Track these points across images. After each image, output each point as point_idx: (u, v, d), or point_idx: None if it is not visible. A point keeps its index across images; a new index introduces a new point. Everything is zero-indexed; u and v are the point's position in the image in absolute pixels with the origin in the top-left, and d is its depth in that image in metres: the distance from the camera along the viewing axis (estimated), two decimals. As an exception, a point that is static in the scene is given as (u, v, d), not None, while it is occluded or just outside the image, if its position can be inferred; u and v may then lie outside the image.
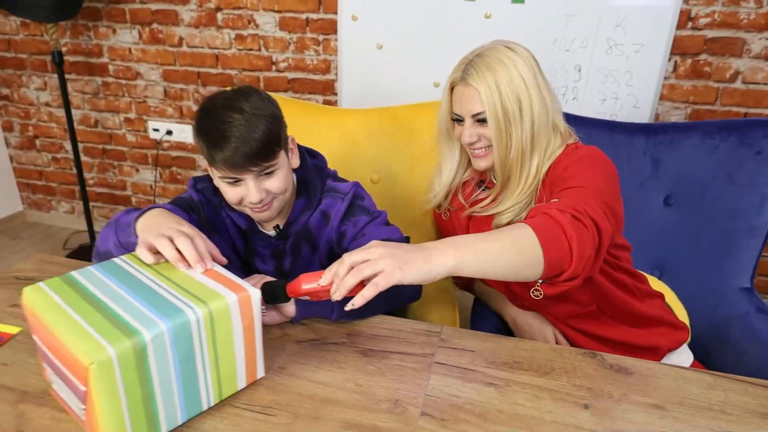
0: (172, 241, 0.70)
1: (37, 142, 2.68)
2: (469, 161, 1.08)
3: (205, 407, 0.66)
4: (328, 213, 1.00)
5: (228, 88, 0.90)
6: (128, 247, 0.81)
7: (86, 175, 2.66)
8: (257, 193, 0.88)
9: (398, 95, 2.04)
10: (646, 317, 1.02)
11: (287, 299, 0.77)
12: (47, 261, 1.00)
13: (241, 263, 1.05)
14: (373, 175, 1.43)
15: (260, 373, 0.71)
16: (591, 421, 0.67)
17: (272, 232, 1.02)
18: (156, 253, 0.70)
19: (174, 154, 2.48)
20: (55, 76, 2.47)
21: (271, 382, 0.72)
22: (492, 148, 0.98)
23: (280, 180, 0.91)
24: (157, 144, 2.48)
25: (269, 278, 0.86)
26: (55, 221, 2.86)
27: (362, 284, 0.66)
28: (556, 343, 1.04)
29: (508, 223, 1.02)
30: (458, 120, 1.01)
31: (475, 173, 1.12)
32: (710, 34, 1.75)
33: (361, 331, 0.84)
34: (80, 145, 2.60)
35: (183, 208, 0.97)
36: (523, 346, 0.81)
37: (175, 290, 0.65)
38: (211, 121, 0.85)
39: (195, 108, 2.31)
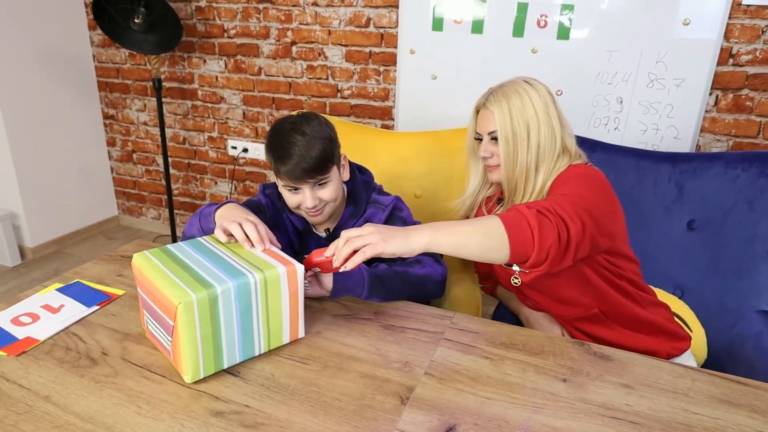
0: (241, 226, 0.91)
1: (134, 156, 3.08)
2: None
3: (257, 353, 0.85)
4: (371, 221, 1.19)
5: (295, 112, 1.12)
6: (208, 232, 1.03)
7: (172, 185, 3.02)
8: (312, 200, 1.09)
9: (449, 121, 2.23)
10: (647, 323, 1.13)
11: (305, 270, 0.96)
12: (144, 246, 1.25)
13: (295, 258, 1.25)
14: (416, 190, 1.62)
15: (301, 333, 0.91)
16: (565, 391, 0.81)
17: (323, 234, 1.22)
18: (229, 235, 0.92)
19: (248, 169, 2.78)
20: (154, 99, 2.86)
21: (308, 341, 0.91)
22: (501, 166, 1.14)
23: (331, 190, 1.11)
24: (234, 160, 2.79)
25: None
26: (143, 226, 3.24)
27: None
28: (564, 343, 1.17)
29: None
30: (479, 139, 1.18)
31: (496, 191, 1.28)
32: (752, 70, 1.81)
33: (386, 311, 1.01)
34: (170, 160, 2.96)
35: (252, 208, 1.19)
36: (521, 332, 0.96)
37: (241, 261, 0.85)
38: (279, 140, 1.07)
39: (268, 128, 2.60)
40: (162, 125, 2.59)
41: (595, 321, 1.14)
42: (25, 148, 2.69)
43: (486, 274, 1.40)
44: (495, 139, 1.15)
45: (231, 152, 2.78)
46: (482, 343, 0.92)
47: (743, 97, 1.85)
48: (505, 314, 1.31)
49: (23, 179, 2.69)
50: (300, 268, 0.86)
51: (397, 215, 1.20)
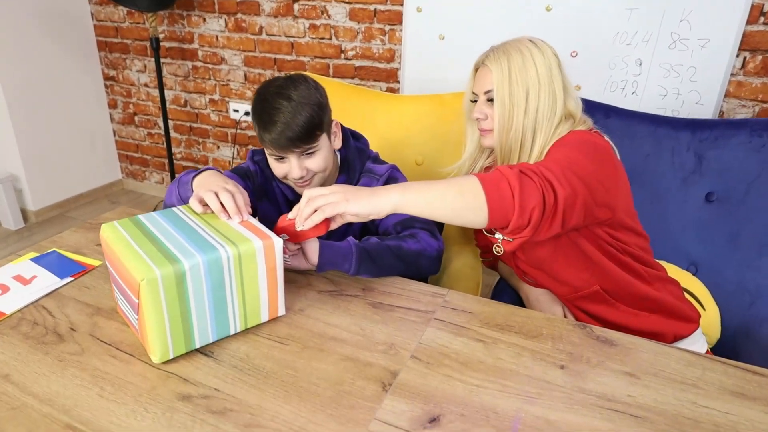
0: (217, 195, 0.85)
1: (136, 118, 3.01)
2: None
3: (232, 332, 0.80)
4: None
5: (282, 74, 1.04)
6: (186, 201, 0.97)
7: (174, 149, 2.96)
8: (298, 171, 1.02)
9: (458, 85, 2.12)
10: (653, 300, 1.05)
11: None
12: (128, 213, 1.19)
13: None
14: (418, 157, 1.54)
15: (281, 311, 0.85)
16: (562, 379, 0.75)
17: None
18: (205, 205, 0.85)
19: (250, 133, 2.70)
20: (153, 59, 2.77)
21: (289, 319, 0.85)
22: (494, 130, 1.05)
23: (319, 160, 1.04)
24: (236, 123, 2.71)
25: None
26: (147, 190, 3.20)
27: (326, 223, 0.81)
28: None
29: None
30: (475, 100, 1.10)
31: (495, 160, 1.19)
32: (785, 29, 1.68)
33: (374, 288, 0.95)
34: (171, 123, 2.89)
35: (240, 175, 1.13)
36: (519, 313, 0.89)
37: (215, 234, 0.79)
38: (263, 106, 0.99)
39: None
40: (161, 87, 2.51)
41: (597, 300, 1.07)
42: (25, 109, 2.63)
43: (487, 247, 1.33)
44: (491, 100, 1.06)
45: (233, 116, 2.70)
46: (476, 325, 0.86)
47: (774, 59, 1.72)
48: (506, 290, 1.25)
49: (23, 141, 2.64)
50: (279, 242, 0.79)
51: None
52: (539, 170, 0.83)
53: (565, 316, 1.11)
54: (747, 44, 1.72)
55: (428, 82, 2.18)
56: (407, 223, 1.07)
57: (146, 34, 2.73)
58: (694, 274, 1.37)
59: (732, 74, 1.77)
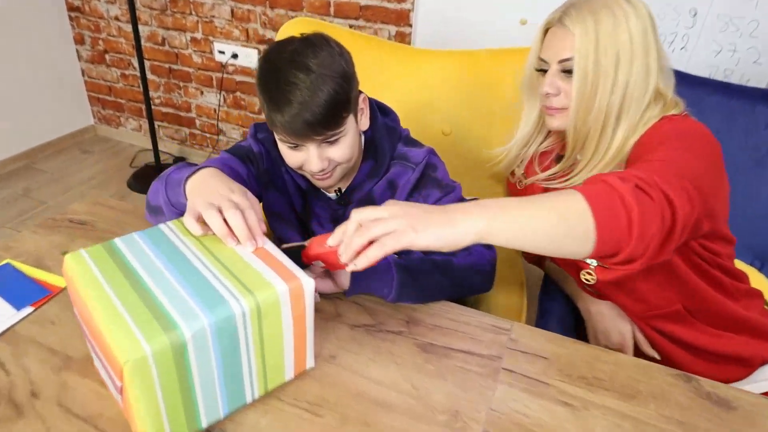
0: (221, 212, 0.63)
1: (107, 57, 2.67)
2: None
3: (249, 400, 0.61)
4: (396, 183, 0.90)
5: (298, 36, 0.79)
6: (178, 207, 0.75)
7: (152, 93, 2.65)
8: (318, 163, 0.79)
9: (479, 30, 1.85)
10: (740, 322, 0.89)
11: (303, 266, 0.70)
12: (101, 203, 0.97)
13: (298, 223, 0.98)
14: (444, 126, 1.31)
15: (309, 363, 0.66)
16: (681, 466, 0.58)
17: (333, 195, 0.93)
18: (204, 223, 0.64)
19: (238, 78, 2.41)
20: (124, -11, 2.41)
21: (320, 372, 0.66)
22: (569, 109, 0.84)
23: (345, 148, 0.81)
24: (222, 67, 2.41)
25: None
26: (123, 137, 2.91)
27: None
28: (634, 342, 0.93)
29: None
30: (542, 69, 0.88)
31: (555, 144, 0.98)
32: None
33: (421, 320, 0.76)
34: (147, 63, 2.56)
35: (241, 158, 0.90)
36: (605, 358, 0.71)
37: (222, 273, 0.58)
38: (274, 79, 0.75)
39: (261, 31, 2.20)
40: (135, 22, 2.18)
41: (675, 319, 0.90)
42: (-25, 46, 2.29)
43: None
44: (567, 71, 0.84)
45: (218, 58, 2.39)
46: (555, 377, 0.68)
47: None
48: (556, 295, 1.07)
49: (-23, 84, 2.32)
50: (309, 283, 0.59)
51: (430, 175, 0.90)
52: (656, 183, 0.62)
53: (634, 335, 0.94)
54: (824, -6, 1.48)
55: (447, 28, 1.90)
56: None
57: (114, -41, 2.36)
58: (759, 270, 1.21)
59: (800, 29, 1.54)
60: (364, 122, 0.87)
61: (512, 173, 1.09)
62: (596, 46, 0.80)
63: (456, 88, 1.29)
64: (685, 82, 1.23)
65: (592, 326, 0.97)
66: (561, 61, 0.84)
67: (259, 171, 0.93)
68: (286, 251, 0.72)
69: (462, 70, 1.29)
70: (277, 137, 0.82)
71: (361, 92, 0.85)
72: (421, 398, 0.64)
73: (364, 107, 0.86)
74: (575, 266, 0.94)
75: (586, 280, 0.87)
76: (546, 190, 0.97)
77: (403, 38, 2.00)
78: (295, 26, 1.31)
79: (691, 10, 1.61)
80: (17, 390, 0.61)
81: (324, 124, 0.76)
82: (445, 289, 0.79)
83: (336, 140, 0.80)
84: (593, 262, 0.89)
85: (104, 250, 0.61)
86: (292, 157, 0.82)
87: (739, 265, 1.17)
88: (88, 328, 0.55)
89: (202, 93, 2.54)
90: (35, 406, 0.59)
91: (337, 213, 0.94)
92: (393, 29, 2.01)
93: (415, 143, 0.95)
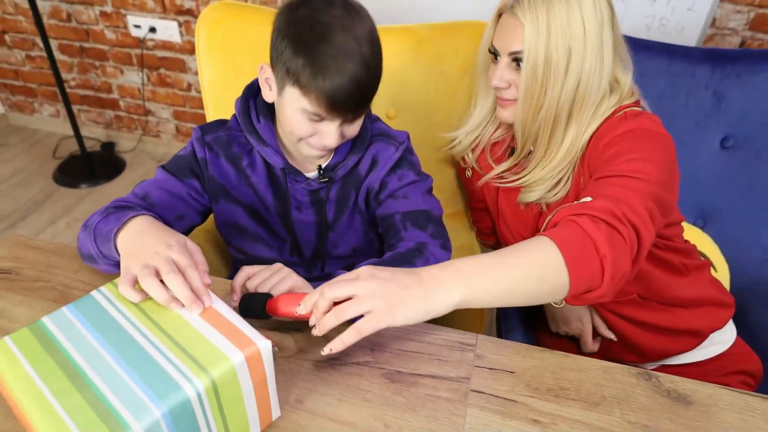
0: (159, 276, 0.57)
1: (7, 38, 2.41)
2: None
3: (215, 470, 0.58)
4: (377, 159, 0.88)
5: None
6: (111, 258, 0.69)
7: (66, 75, 2.43)
8: (336, 140, 0.76)
9: (430, 7, 1.75)
10: (689, 297, 0.93)
11: (266, 316, 0.69)
12: (25, 244, 0.87)
13: (263, 230, 0.92)
14: (389, 109, 1.25)
15: (275, 413, 0.63)
16: (649, 474, 0.60)
17: (313, 174, 0.88)
18: (141, 290, 0.58)
19: (160, 54, 2.23)
20: (14, -40, 2.14)
21: (287, 422, 0.64)
22: (517, 104, 0.82)
23: (357, 126, 0.80)
24: (140, 42, 2.21)
25: (294, 276, 0.74)
26: (40, 125, 2.68)
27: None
28: (593, 327, 0.96)
29: (537, 203, 0.89)
30: (495, 54, 0.84)
31: (507, 135, 0.95)
32: None
33: (385, 345, 0.74)
34: (54, 42, 2.33)
35: (179, 172, 0.84)
36: (569, 364, 0.72)
37: (169, 349, 0.53)
38: (321, 38, 0.69)
39: (179, 2, 2.02)
40: (33, -2, 1.96)
41: (631, 304, 0.93)
42: None
43: (488, 229, 1.13)
44: (517, 61, 0.80)
45: (135, 33, 2.19)
46: (523, 392, 0.68)
47: (778, -44, 1.50)
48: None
49: None
50: (266, 346, 0.55)
51: (408, 158, 0.91)
52: (625, 215, 0.63)
53: (592, 319, 0.96)
54: (752, -62, 1.48)
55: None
56: (418, 221, 0.85)
57: (-3, -74, 2.08)
58: (702, 229, 1.25)
59: (731, -25, 1.54)
60: None
61: (463, 158, 1.06)
62: (547, 41, 0.76)
63: (397, 67, 1.23)
64: (630, 45, 1.23)
65: (552, 315, 0.99)
66: (511, 53, 0.80)
67: (204, 183, 0.86)
68: (249, 298, 0.69)
69: (403, 47, 1.22)
70: (295, 101, 0.74)
71: None
72: (394, 437, 0.63)
73: None
74: None
75: (557, 304, 0.88)
76: (500, 187, 0.96)
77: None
78: (214, 12, 1.20)
79: (626, -41, 1.58)
80: (-43, 494, 0.56)
81: (364, 104, 0.74)
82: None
83: (355, 119, 0.78)
84: None
85: (32, 335, 0.55)
86: (306, 126, 0.76)
87: (684, 225, 1.22)
88: (25, 427, 0.50)
89: (122, 72, 2.35)
90: None
91: (319, 194, 0.89)
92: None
93: (386, 125, 0.93)
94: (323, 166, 0.87)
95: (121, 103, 2.46)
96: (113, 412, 0.48)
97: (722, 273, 1.20)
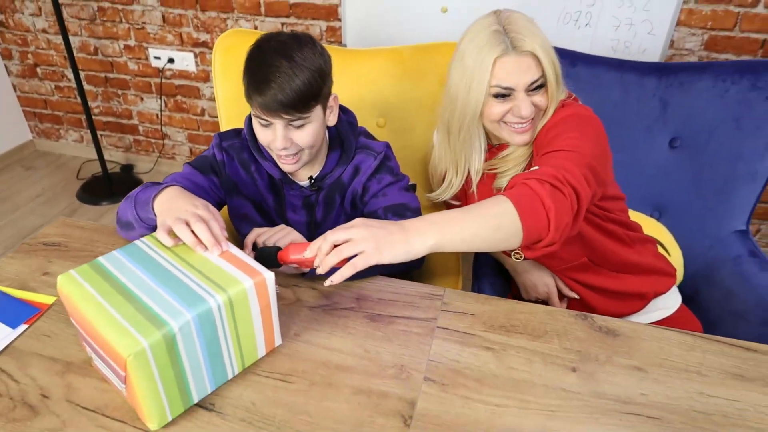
0: (188, 225, 0.74)
1: (39, 70, 2.64)
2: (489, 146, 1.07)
3: (230, 376, 0.73)
4: (360, 168, 1.04)
5: (289, 32, 0.92)
6: (147, 222, 0.86)
7: (91, 103, 2.65)
8: (282, 141, 0.91)
9: (404, 21, 1.97)
10: (635, 265, 1.08)
11: (278, 265, 0.84)
12: (70, 225, 1.05)
13: (264, 222, 1.09)
14: (379, 119, 1.44)
15: (278, 341, 0.79)
16: (577, 383, 0.75)
17: (306, 183, 1.06)
18: (175, 236, 0.75)
19: (177, 82, 2.45)
20: (48, 0, 2.38)
21: (288, 349, 0.79)
22: (535, 120, 0.97)
23: (308, 134, 0.93)
24: (160, 72, 2.44)
25: (295, 233, 0.92)
26: (65, 150, 2.89)
27: (345, 259, 0.73)
28: (557, 288, 1.10)
29: None
30: (504, 95, 0.93)
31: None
32: (736, -47, 1.64)
33: (369, 296, 0.90)
34: (82, 74, 2.56)
35: (202, 169, 1.01)
36: (520, 309, 0.88)
37: (196, 276, 0.70)
38: (259, 62, 0.88)
39: (195, 35, 2.25)
40: (65, 33, 2.18)
41: (584, 269, 1.08)
42: None
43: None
44: (536, 89, 0.93)
45: (155, 63, 2.42)
46: (480, 328, 0.83)
47: (724, -15, 1.69)
48: (487, 262, 1.23)
49: None
50: (270, 277, 0.71)
51: (386, 164, 1.07)
52: (566, 179, 0.80)
53: (556, 282, 1.11)
54: (700, -30, 1.68)
55: (372, 18, 2.01)
56: (398, 211, 1.02)
57: (35, -28, 2.33)
58: (658, 220, 1.40)
59: (684, 2, 1.74)
60: (332, 119, 0.99)
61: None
62: (553, 59, 0.92)
63: (385, 83, 1.42)
64: (587, 61, 1.41)
65: (521, 282, 1.14)
66: (531, 83, 0.91)
67: (221, 179, 1.04)
68: (262, 250, 0.85)
69: (389, 66, 1.42)
70: (252, 114, 0.93)
71: (333, 93, 0.97)
72: (372, 359, 0.78)
73: (333, 105, 0.98)
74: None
75: (516, 258, 1.03)
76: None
77: (334, 32, 2.10)
78: (229, 39, 1.40)
79: (591, -10, 1.78)
80: (29, 395, 0.71)
81: (294, 106, 0.88)
82: (386, 268, 0.93)
83: (302, 125, 0.92)
84: None
85: (91, 269, 0.71)
86: (262, 134, 0.93)
87: (640, 216, 1.37)
88: (90, 335, 0.66)
89: (142, 99, 2.57)
90: (48, 406, 0.70)
91: (310, 199, 1.07)
92: (324, 24, 2.10)
93: (372, 137, 1.09)
94: (314, 176, 1.05)
95: (140, 128, 2.67)
96: (156, 315, 0.64)
97: (676, 258, 1.35)
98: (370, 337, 0.82)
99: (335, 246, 0.74)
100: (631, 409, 0.71)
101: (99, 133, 2.73)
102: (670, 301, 1.13)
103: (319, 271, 0.75)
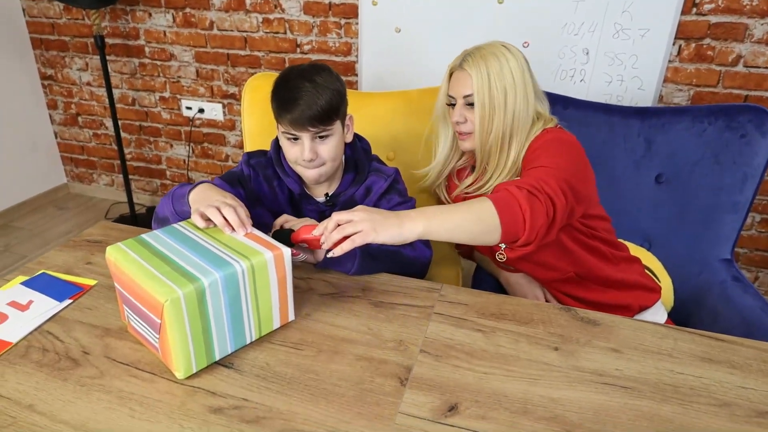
0: (219, 210, 0.86)
1: (80, 119, 2.88)
2: None
3: (248, 341, 0.83)
4: (371, 188, 1.17)
5: (307, 63, 1.08)
6: (182, 215, 0.98)
7: (124, 150, 2.86)
8: (309, 153, 1.05)
9: (415, 76, 2.17)
10: (619, 281, 1.16)
11: (291, 245, 0.95)
12: (110, 227, 1.18)
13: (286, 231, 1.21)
14: (389, 153, 1.58)
15: (291, 316, 0.88)
16: (558, 359, 0.83)
17: (322, 199, 1.18)
18: (207, 220, 0.87)
19: (205, 130, 2.66)
20: (96, 57, 2.65)
21: (299, 324, 0.89)
22: (474, 133, 1.12)
23: (331, 147, 1.07)
24: (190, 121, 2.65)
25: (315, 222, 1.03)
26: (96, 193, 3.08)
27: (346, 238, 0.84)
28: (546, 300, 1.19)
29: None
30: (452, 104, 1.15)
31: (468, 162, 1.26)
32: (714, 19, 1.83)
33: (373, 287, 1.00)
34: (119, 122, 2.79)
35: (230, 182, 1.14)
36: (510, 301, 0.97)
37: (224, 248, 0.81)
38: (285, 85, 1.03)
39: (224, 87, 2.47)
40: (108, 86, 2.42)
41: (571, 283, 1.17)
42: (-43, 115, 2.47)
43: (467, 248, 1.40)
44: (470, 104, 1.12)
45: (186, 113, 2.64)
46: (473, 315, 0.93)
47: (705, 46, 1.87)
48: (485, 277, 1.33)
49: (-42, 150, 2.49)
50: (287, 251, 0.82)
51: (396, 187, 1.19)
52: (541, 187, 0.91)
53: (546, 298, 1.20)
54: (682, 33, 1.86)
55: (386, 74, 2.22)
56: None
57: (87, 31, 2.61)
58: (648, 249, 1.50)
59: (669, 61, 1.91)
60: (349, 136, 1.14)
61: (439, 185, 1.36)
62: (489, 85, 1.08)
63: (395, 121, 1.58)
64: (579, 106, 1.56)
65: (512, 293, 1.23)
66: (465, 97, 1.12)
67: (246, 191, 1.17)
68: (278, 231, 0.97)
69: (399, 106, 1.58)
70: (281, 132, 1.08)
71: (349, 113, 1.13)
72: (374, 334, 0.87)
73: (350, 125, 1.14)
74: (491, 250, 1.21)
75: (500, 258, 1.14)
76: (466, 198, 1.25)
77: (350, 86, 2.30)
78: (257, 80, 1.58)
79: (584, 49, 1.97)
80: (72, 350, 0.81)
81: (320, 119, 1.02)
82: (391, 270, 1.04)
83: (326, 137, 1.06)
84: (503, 246, 1.16)
85: (136, 242, 0.83)
86: (290, 150, 1.07)
87: (631, 246, 1.47)
88: (131, 292, 0.77)
89: (171, 146, 2.77)
90: (88, 359, 0.80)
91: (325, 214, 1.19)
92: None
93: (383, 163, 1.24)
94: (329, 193, 1.18)
95: (168, 173, 2.86)
96: (189, 273, 0.75)
97: (667, 286, 1.43)
98: (373, 318, 0.91)
99: (339, 225, 0.86)
100: (606, 380, 0.79)
101: (129, 177, 2.92)
102: (657, 317, 1.20)
103: (324, 246, 0.86)
